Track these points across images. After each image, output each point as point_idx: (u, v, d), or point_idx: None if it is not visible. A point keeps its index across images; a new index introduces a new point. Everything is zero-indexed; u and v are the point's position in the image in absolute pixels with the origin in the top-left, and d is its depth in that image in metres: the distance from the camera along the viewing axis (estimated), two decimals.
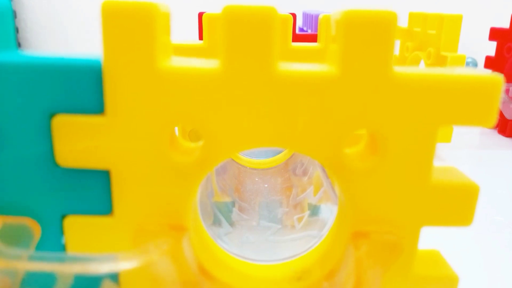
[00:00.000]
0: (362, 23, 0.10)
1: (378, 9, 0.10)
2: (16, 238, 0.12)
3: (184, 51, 0.23)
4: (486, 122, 0.11)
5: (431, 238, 0.13)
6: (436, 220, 0.12)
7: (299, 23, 0.46)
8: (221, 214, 0.19)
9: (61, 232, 0.12)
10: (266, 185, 0.23)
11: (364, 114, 0.11)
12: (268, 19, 0.10)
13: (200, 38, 0.31)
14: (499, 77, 0.11)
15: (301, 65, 0.11)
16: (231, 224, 0.19)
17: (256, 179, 0.24)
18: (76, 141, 0.11)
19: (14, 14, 0.73)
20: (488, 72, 0.11)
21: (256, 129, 0.11)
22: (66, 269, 0.10)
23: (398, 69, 0.11)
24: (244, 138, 0.11)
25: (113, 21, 0.10)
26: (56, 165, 0.11)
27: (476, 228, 0.12)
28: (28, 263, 0.10)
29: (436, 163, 0.12)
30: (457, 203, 0.12)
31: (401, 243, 0.12)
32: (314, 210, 0.19)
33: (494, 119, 0.11)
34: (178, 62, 0.11)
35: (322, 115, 0.11)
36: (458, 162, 0.31)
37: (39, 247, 0.12)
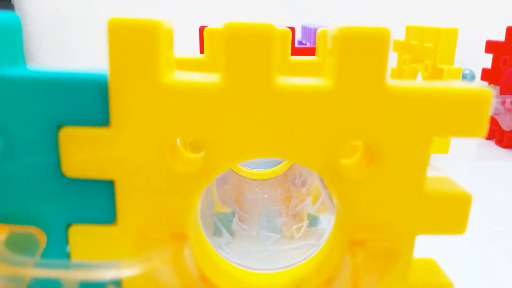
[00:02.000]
0: (357, 39, 0.11)
1: (373, 26, 0.11)
2: (22, 246, 0.12)
3: (186, 64, 0.23)
4: (477, 133, 0.12)
5: (427, 247, 0.14)
6: (430, 228, 0.12)
7: (298, 36, 0.47)
8: (221, 224, 0.19)
9: (66, 240, 0.12)
10: (265, 196, 0.23)
11: (360, 126, 0.11)
12: (267, 35, 0.11)
13: (201, 51, 0.31)
14: (488, 90, 0.11)
15: (298, 79, 0.11)
16: (232, 234, 0.19)
17: (256, 189, 0.24)
18: (82, 152, 0.11)
19: None
20: (479, 84, 0.12)
21: (256, 140, 0.11)
22: (71, 276, 0.11)
23: (392, 82, 0.11)
24: (244, 149, 0.12)
25: (119, 38, 0.11)
26: (62, 175, 0.12)
27: (473, 238, 0.13)
28: (34, 270, 0.11)
29: (433, 174, 0.12)
30: (450, 212, 0.12)
31: (397, 251, 0.12)
32: (313, 220, 0.19)
33: (484, 130, 0.12)
34: (181, 77, 0.11)
35: (319, 126, 0.11)
36: (455, 173, 0.32)
37: (44, 255, 0.12)
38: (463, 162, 0.35)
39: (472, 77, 0.56)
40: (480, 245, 0.22)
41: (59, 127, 0.11)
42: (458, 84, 0.11)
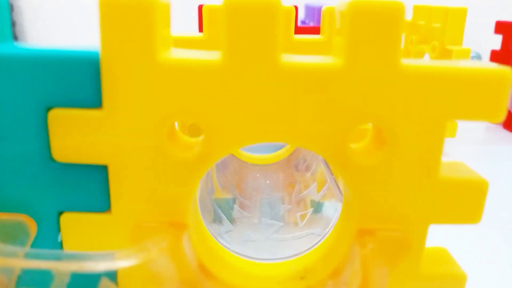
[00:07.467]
0: (368, 14, 0.10)
1: (385, 0, 0.10)
2: (12, 235, 0.12)
3: (184, 43, 0.22)
4: (495, 117, 0.11)
5: (434, 234, 0.13)
6: (444, 217, 0.12)
7: (301, 15, 0.45)
8: (221, 211, 0.19)
9: (57, 229, 0.12)
10: (267, 181, 0.23)
11: (370, 108, 0.11)
12: (272, 9, 0.10)
13: (200, 30, 0.30)
14: (509, 70, 0.11)
15: (305, 57, 0.11)
16: (232, 221, 0.19)
17: (258, 175, 0.23)
18: (73, 135, 0.11)
19: (11, 7, 0.72)
20: (496, 65, 0.11)
21: (259, 123, 0.11)
22: (63, 267, 0.10)
23: (406, 61, 0.10)
24: (246, 133, 0.11)
25: (111, 13, 0.10)
26: (52, 160, 0.11)
27: (480, 224, 0.12)
28: (24, 261, 0.10)
29: (443, 159, 0.12)
30: (465, 200, 0.11)
31: (408, 241, 0.12)
32: (318, 207, 0.19)
33: (503, 113, 0.11)
34: (178, 54, 0.11)
35: (327, 108, 0.11)
36: (462, 157, 0.31)
37: (35, 244, 0.12)
38: (470, 146, 0.35)
39: (478, 60, 0.55)
40: (487, 231, 0.21)
41: (48, 109, 0.11)
42: (475, 64, 0.11)
